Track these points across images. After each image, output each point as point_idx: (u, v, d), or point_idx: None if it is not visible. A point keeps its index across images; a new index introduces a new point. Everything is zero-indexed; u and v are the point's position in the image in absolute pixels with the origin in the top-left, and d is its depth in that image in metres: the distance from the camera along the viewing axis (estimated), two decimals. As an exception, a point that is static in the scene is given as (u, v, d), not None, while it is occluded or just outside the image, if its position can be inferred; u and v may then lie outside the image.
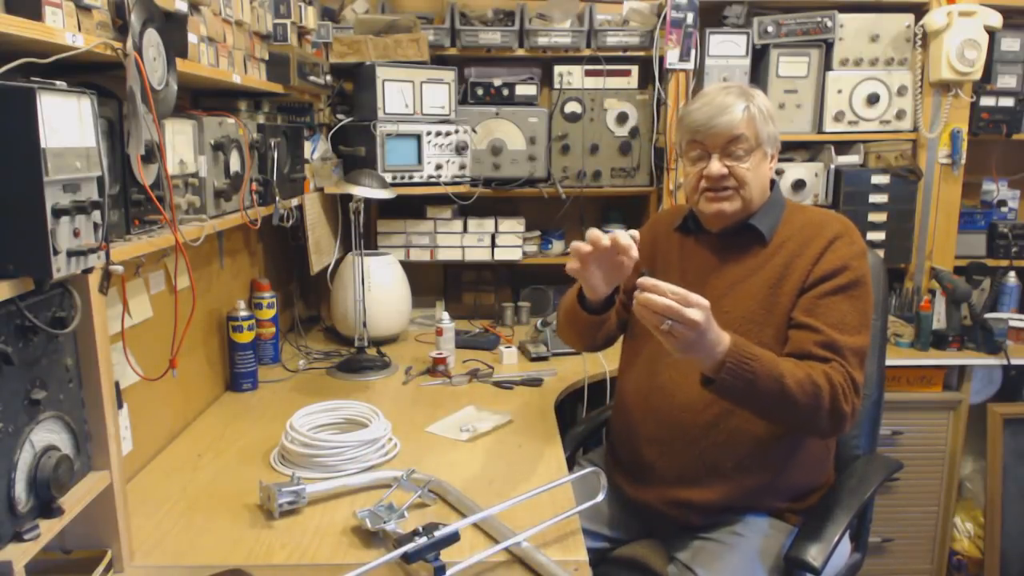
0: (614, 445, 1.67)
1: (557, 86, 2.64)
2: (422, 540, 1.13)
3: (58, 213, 0.91)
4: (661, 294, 1.20)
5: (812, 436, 1.46)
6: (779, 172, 2.55)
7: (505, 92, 2.64)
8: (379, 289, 2.33)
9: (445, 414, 1.82)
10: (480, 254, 2.68)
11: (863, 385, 1.41)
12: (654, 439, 1.52)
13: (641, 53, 2.59)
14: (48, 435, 1.01)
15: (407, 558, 1.11)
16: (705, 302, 1.22)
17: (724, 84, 1.54)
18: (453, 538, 1.17)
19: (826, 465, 1.57)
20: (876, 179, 2.53)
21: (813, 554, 1.34)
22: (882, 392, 1.74)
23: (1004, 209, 2.80)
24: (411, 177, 2.43)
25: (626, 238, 1.36)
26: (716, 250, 1.56)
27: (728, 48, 2.53)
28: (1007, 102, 2.55)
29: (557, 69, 2.63)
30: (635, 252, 1.37)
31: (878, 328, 1.71)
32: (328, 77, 2.28)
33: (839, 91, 2.53)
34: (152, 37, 1.19)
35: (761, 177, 1.50)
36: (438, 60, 2.62)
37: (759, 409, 1.36)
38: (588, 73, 2.63)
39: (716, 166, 1.47)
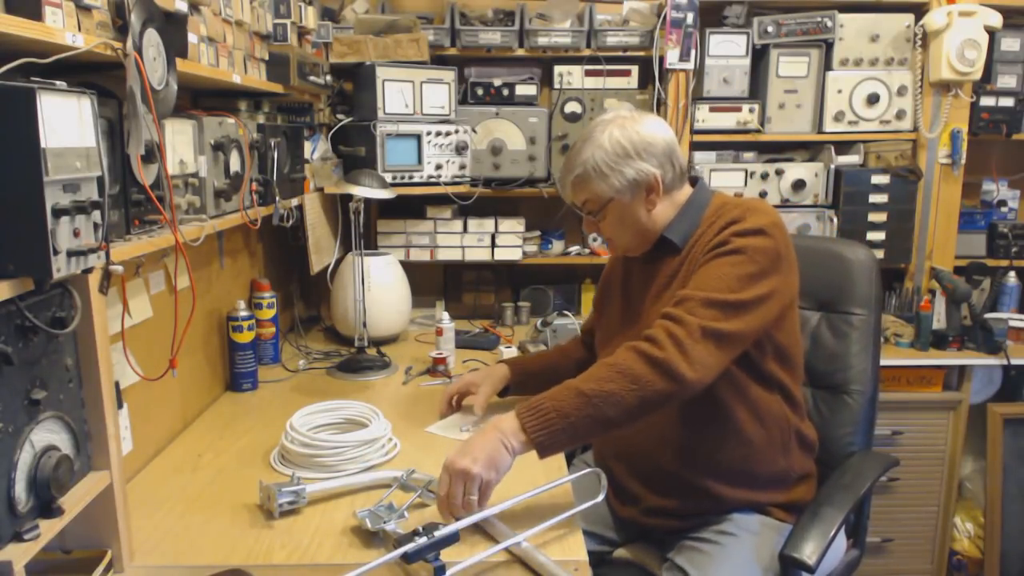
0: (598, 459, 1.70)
1: (557, 86, 2.64)
2: (422, 540, 1.13)
3: (58, 213, 0.91)
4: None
5: (668, 400, 1.30)
6: (779, 172, 2.56)
7: (505, 92, 2.64)
8: (379, 289, 2.32)
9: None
10: (480, 254, 2.68)
11: (713, 326, 1.29)
12: (620, 455, 1.57)
13: (641, 53, 2.59)
14: (48, 435, 1.01)
15: (407, 558, 1.11)
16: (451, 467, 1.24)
17: (594, 127, 1.50)
18: (453, 538, 1.17)
19: (788, 451, 1.51)
20: (876, 179, 2.53)
21: (807, 552, 1.34)
22: (876, 389, 1.73)
23: (1004, 209, 2.80)
24: (411, 177, 2.43)
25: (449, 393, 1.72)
26: (645, 265, 1.58)
27: (728, 48, 2.53)
28: (1007, 102, 2.55)
29: (557, 69, 2.63)
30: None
31: (871, 324, 1.71)
32: (328, 77, 2.28)
33: (839, 91, 2.53)
34: (152, 37, 1.19)
35: (629, 222, 1.49)
36: (438, 60, 2.62)
37: (598, 422, 1.26)
38: (588, 73, 2.63)
39: (585, 229, 1.59)
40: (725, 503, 1.48)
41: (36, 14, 0.96)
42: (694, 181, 1.56)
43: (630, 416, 1.28)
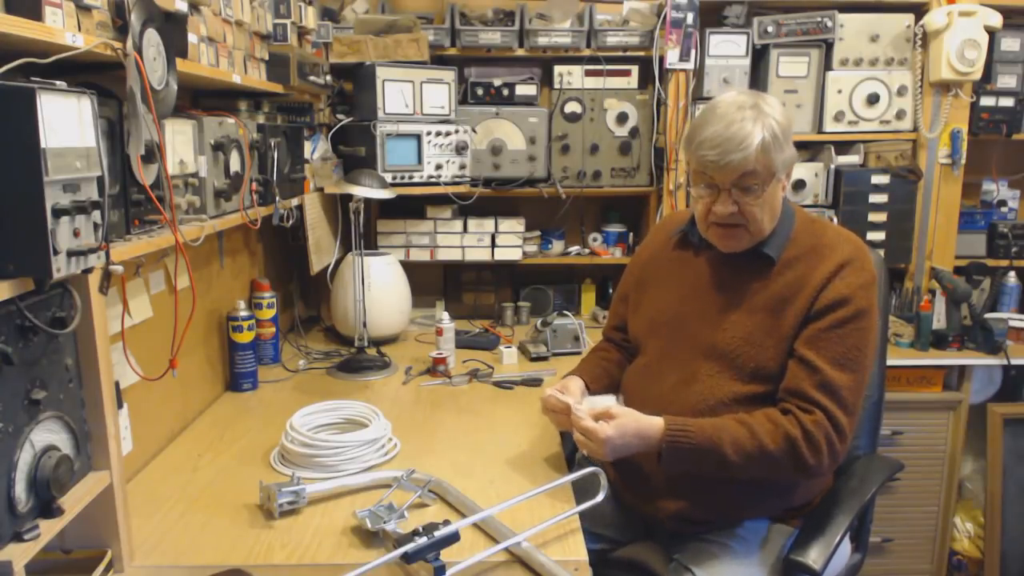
0: None
1: (557, 86, 2.64)
2: (422, 540, 1.13)
3: (58, 213, 0.91)
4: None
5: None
6: (779, 172, 2.55)
7: (505, 92, 2.64)
8: (379, 289, 2.33)
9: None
10: (480, 254, 2.68)
11: (855, 423, 1.39)
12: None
13: (641, 53, 2.59)
14: (48, 435, 1.01)
15: (407, 558, 1.11)
16: (604, 430, 1.34)
17: (737, 100, 1.41)
18: (453, 538, 1.17)
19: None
20: (876, 179, 2.53)
21: (813, 557, 1.34)
22: (883, 392, 1.74)
23: (1004, 209, 2.79)
24: (411, 177, 2.43)
25: (561, 403, 1.46)
26: (719, 265, 1.51)
27: (728, 48, 2.53)
28: (1007, 102, 2.55)
29: (557, 69, 2.63)
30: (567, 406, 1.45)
31: (879, 329, 1.71)
32: (328, 77, 2.28)
33: (839, 91, 2.53)
34: (152, 37, 1.19)
35: (773, 205, 1.43)
36: (438, 60, 2.62)
37: (714, 473, 1.38)
38: (588, 73, 2.63)
39: (723, 208, 1.39)
40: (745, 512, 1.46)
41: (36, 14, 0.96)
42: None
43: (742, 478, 1.39)
